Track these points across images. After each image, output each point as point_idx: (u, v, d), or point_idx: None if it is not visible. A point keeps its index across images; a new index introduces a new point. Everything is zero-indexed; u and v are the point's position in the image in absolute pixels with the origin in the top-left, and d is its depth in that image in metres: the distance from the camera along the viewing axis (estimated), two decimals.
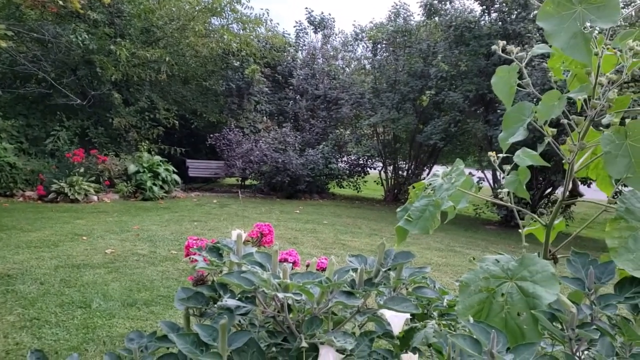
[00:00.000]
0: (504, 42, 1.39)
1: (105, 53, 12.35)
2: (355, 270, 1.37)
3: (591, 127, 1.25)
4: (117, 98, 12.83)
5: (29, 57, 12.23)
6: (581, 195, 1.40)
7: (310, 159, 14.14)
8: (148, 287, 5.03)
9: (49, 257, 5.87)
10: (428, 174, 15.99)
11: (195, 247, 1.97)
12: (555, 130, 1.28)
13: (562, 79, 1.39)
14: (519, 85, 1.36)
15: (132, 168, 11.95)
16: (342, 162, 16.47)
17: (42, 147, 12.03)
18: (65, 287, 4.86)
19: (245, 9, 14.73)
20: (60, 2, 8.67)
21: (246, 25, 15.18)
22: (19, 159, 10.90)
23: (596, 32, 1.19)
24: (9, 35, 9.42)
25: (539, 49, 1.34)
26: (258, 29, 15.64)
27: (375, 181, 17.19)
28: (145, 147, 13.19)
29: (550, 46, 1.29)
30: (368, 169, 16.71)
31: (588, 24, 1.07)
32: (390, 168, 16.43)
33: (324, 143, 15.29)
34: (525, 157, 1.34)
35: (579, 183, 1.46)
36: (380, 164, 16.55)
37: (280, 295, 1.22)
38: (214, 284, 1.54)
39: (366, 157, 16.35)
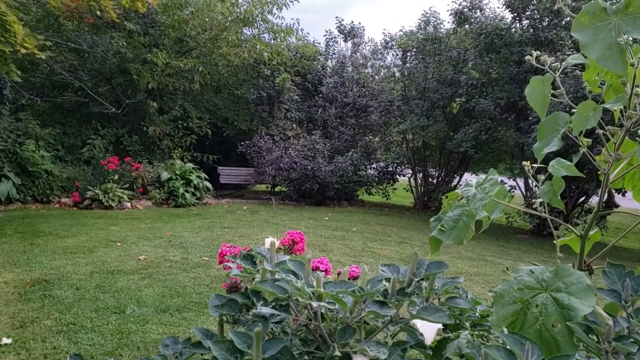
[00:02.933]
0: (538, 52, 1.39)
1: (140, 62, 12.63)
2: (388, 279, 1.37)
3: (627, 137, 1.24)
4: (154, 106, 13.11)
5: (66, 67, 12.58)
6: (617, 205, 1.39)
7: (339, 166, 14.17)
8: (180, 293, 5.11)
9: (84, 263, 6.01)
10: (458, 182, 15.85)
11: (229, 254, 2.00)
12: (590, 140, 1.27)
13: (599, 92, 1.38)
14: (552, 94, 1.35)
15: (164, 175, 12.16)
16: (371, 169, 16.44)
17: (77, 155, 12.33)
18: (100, 292, 4.97)
19: (276, 19, 14.98)
20: (97, 13, 8.90)
21: (277, 35, 15.36)
22: (56, 167, 11.19)
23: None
24: (47, 46, 9.72)
25: (573, 59, 1.33)
26: (289, 38, 15.82)
27: (404, 188, 17.10)
28: (178, 154, 13.42)
29: (585, 57, 1.29)
30: (397, 176, 16.64)
31: (624, 35, 1.07)
32: (420, 175, 16.32)
33: (352, 150, 15.30)
34: (560, 167, 1.34)
35: (615, 193, 1.45)
36: (410, 171, 16.46)
37: (314, 304, 1.23)
38: (247, 292, 1.56)
39: (395, 164, 16.30)
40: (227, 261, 1.72)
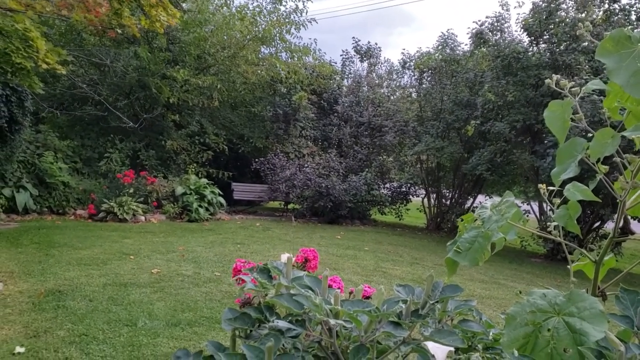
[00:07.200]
0: (558, 76, 1.40)
1: (160, 77, 12.81)
2: (404, 301, 1.38)
3: None
4: (173, 120, 13.29)
5: (87, 81, 12.79)
6: (632, 232, 1.39)
7: (352, 184, 14.19)
8: (192, 307, 5.12)
9: (97, 275, 6.06)
10: (472, 203, 15.75)
11: (244, 269, 2.01)
12: (607, 167, 1.28)
13: (619, 119, 1.38)
14: (570, 119, 1.36)
15: (179, 190, 12.24)
16: (384, 188, 16.43)
17: (95, 168, 12.48)
18: (112, 304, 5.00)
19: (294, 38, 15.12)
20: (118, 31, 9.04)
21: (294, 54, 15.51)
22: (73, 179, 11.33)
23: None
24: (68, 61, 9.88)
25: (593, 85, 1.34)
26: (306, 57, 15.95)
27: (417, 209, 17.04)
28: (193, 170, 13.52)
29: (605, 82, 1.30)
30: (410, 196, 16.59)
31: None
32: (434, 196, 16.25)
33: (367, 169, 15.32)
34: (576, 192, 1.34)
35: (631, 220, 1.45)
36: (423, 192, 16.39)
37: (332, 321, 1.24)
38: (260, 306, 1.57)
39: (409, 185, 16.26)
40: (243, 274, 1.74)
